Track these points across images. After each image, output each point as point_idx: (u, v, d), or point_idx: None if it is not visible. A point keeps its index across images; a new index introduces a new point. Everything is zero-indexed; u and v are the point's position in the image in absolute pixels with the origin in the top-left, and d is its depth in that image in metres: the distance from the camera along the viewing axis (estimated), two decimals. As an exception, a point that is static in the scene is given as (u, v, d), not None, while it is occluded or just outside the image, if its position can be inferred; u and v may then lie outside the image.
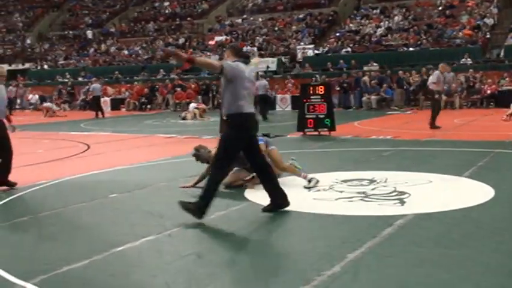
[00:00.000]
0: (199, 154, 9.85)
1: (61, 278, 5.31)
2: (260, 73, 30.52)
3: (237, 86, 7.27)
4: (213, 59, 38.90)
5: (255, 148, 7.65)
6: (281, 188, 7.65)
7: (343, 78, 30.09)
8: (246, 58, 7.68)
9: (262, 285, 4.97)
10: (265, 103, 25.50)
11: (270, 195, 7.61)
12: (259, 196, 8.57)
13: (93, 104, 31.22)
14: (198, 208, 7.18)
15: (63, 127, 23.08)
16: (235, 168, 9.70)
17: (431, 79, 19.32)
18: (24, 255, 6.08)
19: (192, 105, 27.10)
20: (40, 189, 9.91)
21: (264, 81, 26.03)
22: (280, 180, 9.75)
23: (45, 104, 33.88)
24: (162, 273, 5.32)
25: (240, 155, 8.01)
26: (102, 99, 34.80)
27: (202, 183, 8.34)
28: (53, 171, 11.48)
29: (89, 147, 15.39)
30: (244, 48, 39.52)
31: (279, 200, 7.58)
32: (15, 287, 5.12)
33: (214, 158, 7.77)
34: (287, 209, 7.69)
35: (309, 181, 9.25)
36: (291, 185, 9.46)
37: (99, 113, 29.57)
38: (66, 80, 40.79)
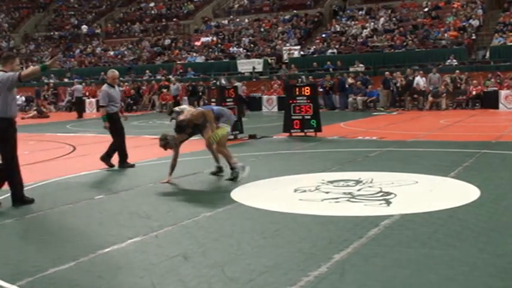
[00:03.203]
0: (167, 141, 10.14)
1: (47, 280, 5.29)
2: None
3: None
4: (200, 59, 39.06)
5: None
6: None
7: (327, 79, 30.10)
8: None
9: (249, 285, 4.97)
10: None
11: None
12: (246, 197, 8.59)
13: (76, 105, 31.77)
14: None
15: (48, 128, 22.98)
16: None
17: None
18: (11, 258, 6.04)
19: (186, 107, 27.05)
20: (26, 191, 9.82)
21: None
22: (266, 181, 9.82)
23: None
24: (148, 274, 5.31)
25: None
26: (88, 101, 34.77)
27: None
28: (39, 172, 11.44)
29: (75, 148, 15.35)
30: (231, 49, 39.60)
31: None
32: (0, 290, 5.10)
33: None
34: (273, 209, 7.72)
35: (233, 169, 10.02)
36: (278, 187, 9.50)
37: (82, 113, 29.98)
38: (47, 81, 40.71)
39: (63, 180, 10.90)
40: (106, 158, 12.18)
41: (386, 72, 29.14)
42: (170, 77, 33.32)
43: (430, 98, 27.30)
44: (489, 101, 26.47)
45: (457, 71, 28.59)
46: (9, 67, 8.63)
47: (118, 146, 12.28)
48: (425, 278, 5.02)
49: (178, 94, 30.62)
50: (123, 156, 12.29)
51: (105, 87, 12.52)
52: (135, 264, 5.64)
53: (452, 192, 8.72)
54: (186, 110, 10.86)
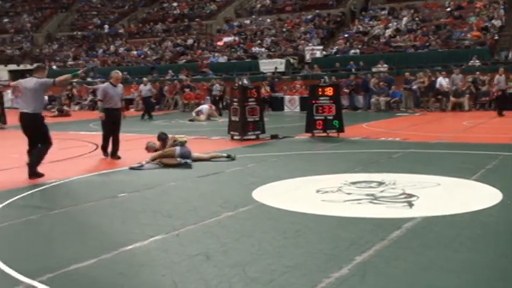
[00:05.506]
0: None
1: (69, 276, 5.33)
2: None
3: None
4: (222, 59, 39.16)
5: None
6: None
7: (351, 80, 30.02)
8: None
9: (270, 286, 4.98)
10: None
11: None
12: (267, 197, 8.60)
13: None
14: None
15: (72, 127, 23.13)
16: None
17: None
18: (33, 253, 6.11)
19: (205, 107, 27.17)
20: (50, 188, 9.96)
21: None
22: (288, 181, 9.83)
23: None
24: (170, 272, 5.33)
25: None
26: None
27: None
28: (63, 170, 11.54)
29: (97, 146, 15.42)
30: (253, 49, 39.60)
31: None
32: (21, 285, 5.15)
33: None
34: (295, 209, 7.73)
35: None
36: (300, 187, 9.50)
37: None
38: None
39: (86, 178, 10.98)
40: (105, 152, 13.75)
41: (407, 73, 28.96)
42: (144, 78, 32.78)
43: (452, 98, 27.12)
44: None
45: (477, 72, 28.36)
46: (41, 74, 11.10)
47: (104, 136, 13.79)
48: (446, 281, 4.99)
49: (151, 95, 29.79)
50: (106, 147, 13.78)
51: (105, 84, 14.29)
52: (157, 262, 5.66)
53: (475, 195, 8.65)
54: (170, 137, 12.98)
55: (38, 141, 10.92)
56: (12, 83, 11.74)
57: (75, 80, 12.92)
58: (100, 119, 13.84)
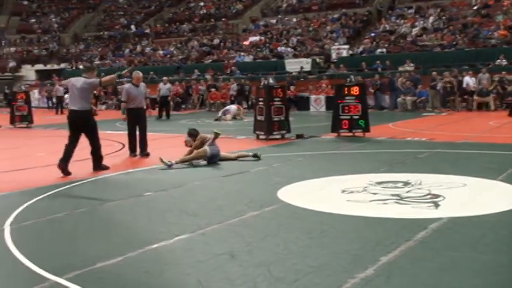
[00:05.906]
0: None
1: (95, 274, 5.38)
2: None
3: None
4: (248, 59, 39.17)
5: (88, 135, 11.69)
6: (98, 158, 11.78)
7: (375, 79, 29.86)
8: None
9: (295, 285, 4.98)
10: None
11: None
12: (292, 197, 8.59)
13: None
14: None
15: (98, 126, 23.28)
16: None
17: None
18: (59, 251, 6.17)
19: (233, 107, 27.22)
20: (76, 186, 10.06)
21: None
22: (313, 181, 9.82)
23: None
24: (195, 271, 5.36)
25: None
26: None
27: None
28: (89, 168, 11.64)
29: (124, 146, 15.53)
30: (279, 49, 39.55)
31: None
32: (47, 282, 5.20)
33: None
34: (320, 209, 7.71)
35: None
36: (326, 187, 9.48)
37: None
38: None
39: (112, 176, 11.08)
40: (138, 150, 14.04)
41: (434, 73, 28.73)
42: (164, 78, 32.57)
43: (476, 98, 26.90)
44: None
45: (504, 72, 28.07)
46: (90, 75, 11.64)
47: (129, 135, 14.03)
48: (472, 282, 4.96)
49: (169, 95, 29.08)
50: (134, 147, 13.97)
51: (127, 85, 14.32)
52: (182, 261, 5.70)
53: (501, 196, 8.57)
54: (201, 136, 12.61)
55: (87, 136, 11.63)
56: (64, 82, 12.45)
57: (120, 79, 13.38)
58: (123, 120, 14.21)
